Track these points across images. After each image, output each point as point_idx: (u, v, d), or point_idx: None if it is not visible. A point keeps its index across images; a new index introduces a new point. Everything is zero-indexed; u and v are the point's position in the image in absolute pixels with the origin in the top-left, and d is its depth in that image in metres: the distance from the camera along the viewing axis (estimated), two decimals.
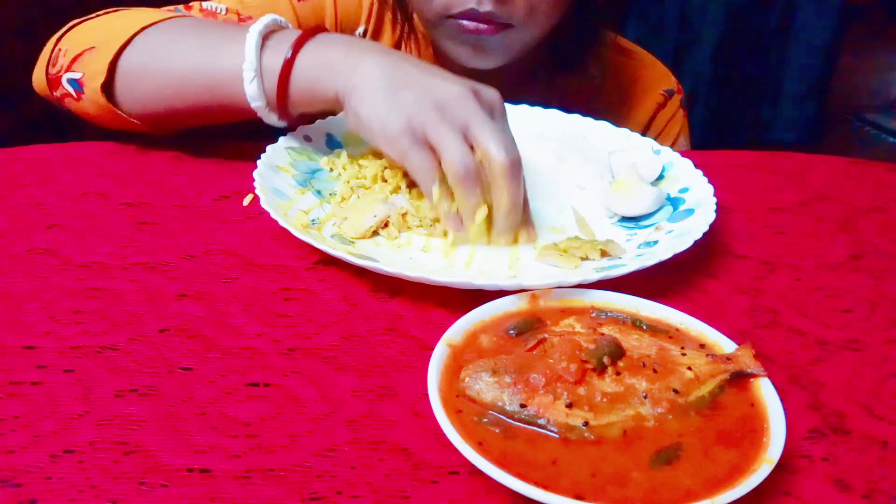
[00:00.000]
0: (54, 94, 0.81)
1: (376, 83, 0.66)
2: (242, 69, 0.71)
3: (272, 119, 0.75)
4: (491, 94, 0.69)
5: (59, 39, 0.81)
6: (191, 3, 0.89)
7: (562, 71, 1.01)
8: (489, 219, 0.66)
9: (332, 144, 0.81)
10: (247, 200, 0.72)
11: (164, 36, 0.77)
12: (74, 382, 0.49)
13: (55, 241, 0.65)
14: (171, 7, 0.87)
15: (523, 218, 0.67)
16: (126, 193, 0.73)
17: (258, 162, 0.71)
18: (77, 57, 0.77)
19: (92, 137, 0.85)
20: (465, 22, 0.83)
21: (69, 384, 0.49)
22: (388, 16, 0.97)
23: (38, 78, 0.83)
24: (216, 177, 0.77)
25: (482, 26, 0.83)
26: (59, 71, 0.79)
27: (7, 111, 0.98)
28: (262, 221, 0.67)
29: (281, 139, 0.77)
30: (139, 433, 0.46)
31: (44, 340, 0.53)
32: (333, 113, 0.80)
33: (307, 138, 0.79)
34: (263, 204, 0.64)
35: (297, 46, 0.70)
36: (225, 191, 0.74)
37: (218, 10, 0.88)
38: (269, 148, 0.74)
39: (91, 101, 0.77)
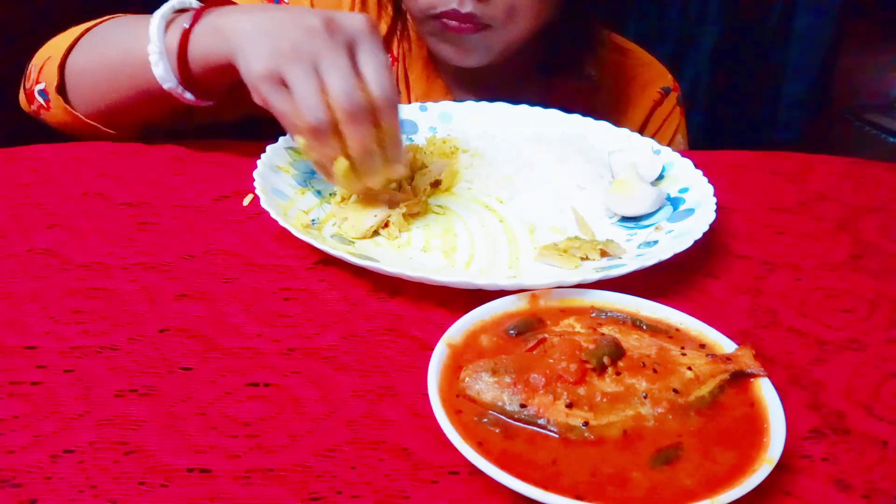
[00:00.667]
0: (31, 108, 0.85)
1: (250, 35, 0.65)
2: (148, 52, 0.71)
3: (190, 98, 0.74)
4: (353, 17, 0.66)
5: (34, 57, 0.85)
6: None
7: (558, 73, 1.01)
8: (352, 169, 0.65)
9: None
10: (247, 200, 0.72)
11: (99, 34, 0.80)
12: (74, 382, 0.49)
13: (55, 241, 0.64)
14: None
15: (389, 156, 0.66)
16: (126, 193, 0.73)
17: (258, 162, 0.71)
18: (41, 69, 0.82)
19: (92, 138, 0.85)
20: (447, 21, 0.85)
21: (69, 384, 0.49)
22: (374, 12, 0.98)
23: (21, 97, 0.87)
24: (216, 177, 0.77)
25: (464, 25, 0.85)
26: (32, 85, 0.83)
27: (7, 111, 0.98)
28: (262, 221, 0.67)
29: (281, 139, 0.77)
30: (139, 433, 0.46)
31: (44, 340, 0.53)
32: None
33: None
34: (263, 204, 0.64)
35: (194, 21, 0.70)
36: (225, 191, 0.74)
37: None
38: (269, 148, 0.74)
39: (56, 106, 0.81)
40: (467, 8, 0.83)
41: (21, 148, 0.82)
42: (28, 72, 0.85)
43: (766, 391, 0.47)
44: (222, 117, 0.87)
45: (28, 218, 0.68)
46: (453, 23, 0.85)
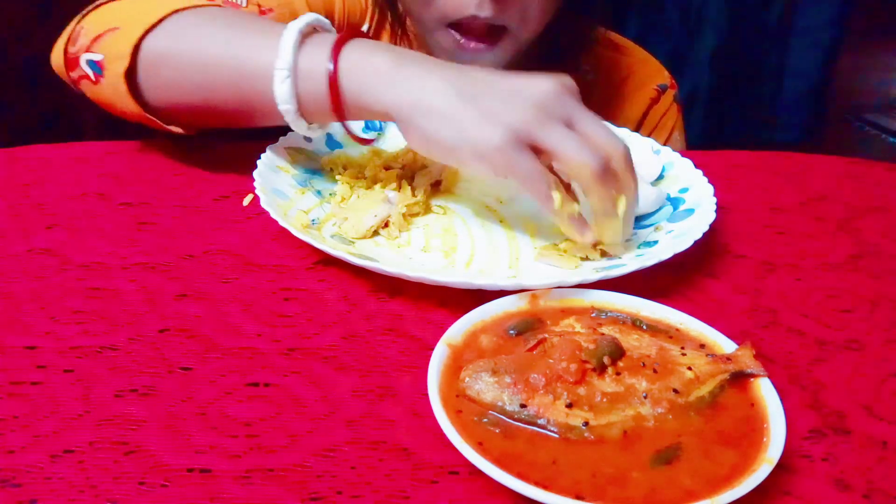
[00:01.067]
0: (70, 74, 0.76)
1: (446, 97, 0.60)
2: (275, 67, 0.65)
3: (300, 126, 0.69)
4: (570, 82, 0.63)
5: (82, 18, 0.75)
6: None
7: (553, 69, 1.01)
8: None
9: (332, 144, 0.81)
10: (247, 200, 0.72)
11: (194, 22, 0.71)
12: (74, 382, 0.49)
13: (55, 241, 0.65)
14: None
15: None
16: (126, 193, 0.73)
17: (258, 162, 0.71)
18: (98, 37, 0.71)
19: (92, 137, 0.85)
20: (462, 39, 0.82)
21: (69, 384, 0.49)
22: (381, 14, 0.98)
23: (56, 56, 0.77)
24: (216, 177, 0.77)
25: (480, 45, 0.83)
26: (79, 51, 0.73)
27: (7, 111, 0.98)
28: (262, 221, 0.67)
29: (281, 139, 0.77)
30: (139, 433, 0.46)
31: (44, 340, 0.53)
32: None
33: (307, 138, 0.79)
34: (263, 204, 0.64)
35: (336, 52, 0.64)
36: (225, 191, 0.74)
37: (239, 2, 0.85)
38: (269, 148, 0.74)
39: (110, 85, 0.71)
40: (486, 13, 0.79)
41: (21, 148, 0.82)
42: (74, 32, 0.74)
43: (766, 391, 0.47)
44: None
45: (28, 218, 0.68)
46: (469, 42, 0.82)
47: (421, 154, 0.66)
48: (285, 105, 0.66)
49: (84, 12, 0.76)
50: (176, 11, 0.71)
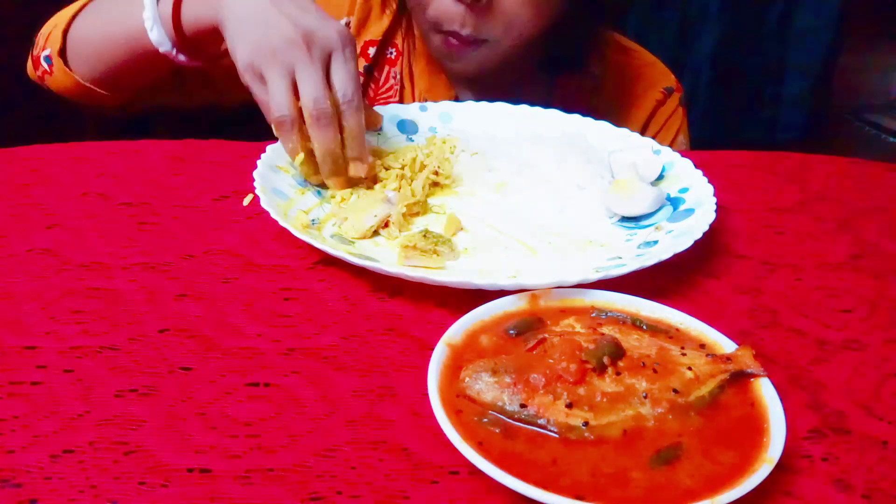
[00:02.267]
0: (37, 73, 0.91)
1: (239, 16, 0.72)
2: (143, 19, 0.79)
3: (182, 59, 0.82)
4: (332, 28, 0.71)
5: (40, 28, 0.91)
6: None
7: (563, 73, 1.01)
8: (310, 161, 0.72)
9: None
10: (247, 200, 0.72)
11: (99, 4, 0.87)
12: (74, 382, 0.49)
13: (55, 241, 0.64)
14: None
15: (351, 154, 0.72)
16: (126, 193, 0.73)
17: (258, 162, 0.71)
18: (48, 36, 0.88)
19: (92, 137, 0.85)
20: (450, 38, 0.89)
21: (69, 384, 0.49)
22: (377, 8, 0.99)
23: (28, 65, 0.93)
24: (216, 177, 0.77)
25: (463, 44, 0.89)
26: (38, 51, 0.90)
27: (7, 111, 0.98)
28: (262, 221, 0.67)
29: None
30: (139, 433, 0.46)
31: (44, 340, 0.53)
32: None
33: None
34: (263, 204, 0.64)
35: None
36: (225, 191, 0.74)
37: None
38: (269, 148, 0.74)
39: (59, 70, 0.88)
40: (467, 30, 0.87)
41: (21, 148, 0.82)
42: (36, 40, 0.91)
43: (766, 391, 0.47)
44: (217, 100, 0.94)
45: (28, 218, 0.68)
46: (454, 41, 0.89)
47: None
48: (163, 47, 0.80)
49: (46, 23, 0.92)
50: (89, 1, 0.87)
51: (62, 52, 0.86)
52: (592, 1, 0.94)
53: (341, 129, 0.71)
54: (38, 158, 0.79)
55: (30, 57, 0.92)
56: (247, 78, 0.71)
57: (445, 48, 0.90)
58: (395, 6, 0.98)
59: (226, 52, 0.75)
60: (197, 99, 0.96)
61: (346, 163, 0.72)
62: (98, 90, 0.88)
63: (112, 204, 0.71)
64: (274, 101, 0.69)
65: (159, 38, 0.79)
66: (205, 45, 0.81)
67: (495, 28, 0.87)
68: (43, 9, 0.93)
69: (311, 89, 0.69)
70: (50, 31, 0.88)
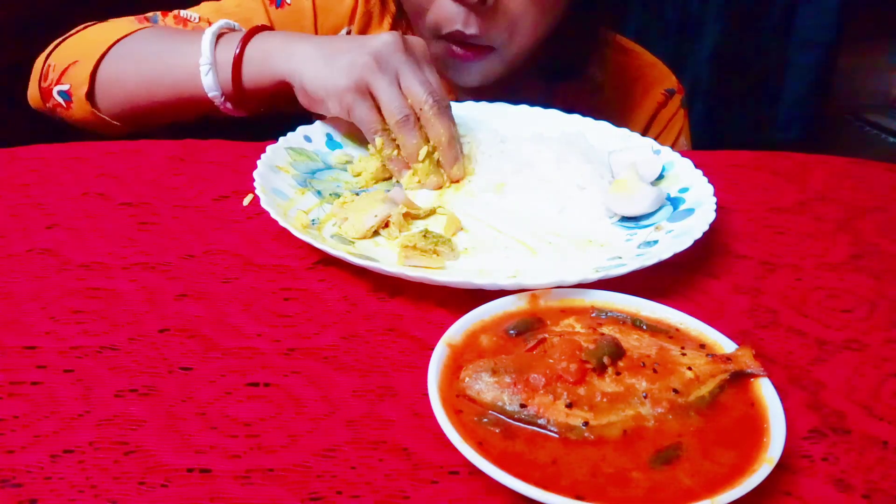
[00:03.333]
0: (47, 105, 0.91)
1: (313, 58, 0.76)
2: (199, 64, 0.81)
3: (229, 108, 0.84)
4: (416, 41, 0.78)
5: (48, 56, 0.91)
6: (166, 11, 0.96)
7: (563, 77, 1.01)
8: (430, 156, 0.75)
9: (331, 144, 0.81)
10: (247, 200, 0.72)
11: (134, 46, 0.88)
12: (74, 382, 0.49)
13: (55, 241, 0.64)
14: (149, 14, 0.95)
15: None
16: (126, 193, 0.73)
17: (258, 162, 0.71)
18: (64, 71, 0.88)
19: (92, 138, 0.85)
20: (454, 47, 0.89)
21: (69, 384, 0.49)
22: (377, 16, 0.99)
23: (32, 92, 0.93)
24: (216, 177, 0.77)
25: (468, 53, 0.89)
26: (50, 84, 0.89)
27: (7, 111, 0.98)
28: (262, 221, 0.67)
29: (281, 139, 0.77)
30: (139, 433, 0.46)
31: (44, 340, 0.53)
32: (280, 105, 0.86)
33: (307, 138, 0.79)
34: (263, 204, 0.64)
35: (245, 42, 0.81)
36: (225, 191, 0.74)
37: (191, 18, 0.96)
38: (269, 148, 0.74)
39: (79, 108, 0.88)
40: (472, 30, 0.86)
41: (21, 148, 0.82)
42: (44, 70, 0.90)
43: (766, 391, 0.47)
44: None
45: (28, 218, 0.68)
46: (458, 49, 0.89)
47: (306, 107, 0.79)
48: (213, 92, 0.82)
49: (49, 50, 0.91)
50: (119, 39, 0.87)
51: (90, 94, 0.87)
52: (592, 3, 0.94)
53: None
54: (38, 158, 0.79)
55: (34, 86, 0.92)
56: (347, 100, 0.73)
57: (450, 58, 0.90)
58: (393, 9, 0.97)
59: (272, 102, 0.80)
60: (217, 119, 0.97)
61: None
62: (117, 124, 0.89)
63: (112, 204, 0.71)
64: (393, 105, 0.73)
65: (212, 84, 0.81)
66: (256, 97, 0.83)
67: (500, 32, 0.87)
68: (43, 9, 0.93)
69: (423, 86, 0.73)
70: (67, 66, 0.88)
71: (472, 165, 0.79)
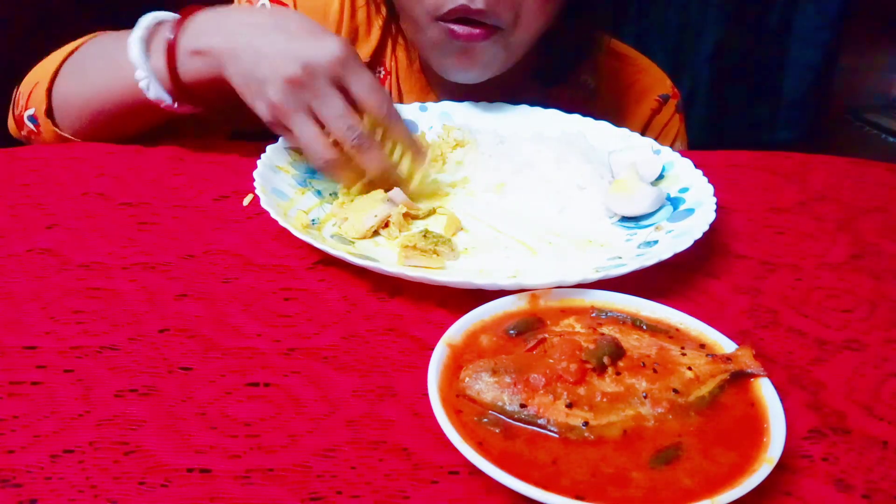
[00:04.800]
0: (21, 133, 0.87)
1: (241, 71, 0.71)
2: (138, 80, 0.75)
3: (184, 108, 0.78)
4: (325, 55, 0.69)
5: (19, 84, 0.87)
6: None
7: (555, 82, 0.99)
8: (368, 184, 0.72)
9: None
10: (247, 200, 0.72)
11: (78, 61, 0.83)
12: (74, 382, 0.49)
13: (55, 241, 0.65)
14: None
15: (411, 154, 0.74)
16: (126, 193, 0.73)
17: (258, 162, 0.71)
18: (29, 95, 0.84)
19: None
20: (455, 27, 0.81)
21: (69, 384, 0.49)
22: (364, 22, 0.96)
23: (10, 123, 0.89)
24: (216, 177, 0.77)
25: (474, 31, 0.81)
26: (21, 111, 0.86)
27: (7, 111, 0.98)
28: (262, 221, 0.67)
29: (281, 139, 0.77)
30: (139, 433, 0.46)
31: (44, 340, 0.53)
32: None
33: None
34: (263, 204, 0.64)
35: (171, 46, 0.74)
36: (225, 191, 0.74)
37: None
38: (269, 148, 0.74)
39: (46, 130, 0.84)
40: (478, 4, 0.79)
41: (21, 148, 0.82)
42: (16, 98, 0.87)
43: (766, 391, 0.47)
44: (213, 133, 0.90)
45: (28, 218, 0.68)
46: (462, 28, 0.81)
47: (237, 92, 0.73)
48: (165, 103, 0.77)
49: (23, 80, 0.88)
50: (68, 56, 0.83)
51: (49, 112, 0.83)
52: (587, 5, 0.92)
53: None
54: (38, 158, 0.79)
55: (10, 116, 0.88)
56: (276, 129, 0.72)
57: (450, 40, 0.82)
58: (384, 9, 0.94)
59: (227, 96, 0.74)
60: (189, 133, 0.90)
61: (410, 165, 0.73)
62: (91, 141, 0.84)
63: (112, 204, 0.71)
64: (310, 150, 0.70)
65: (157, 94, 0.76)
66: (207, 93, 0.78)
67: (507, 12, 0.81)
68: (43, 10, 0.93)
69: (338, 121, 0.69)
70: (31, 90, 0.84)
71: (471, 166, 0.79)
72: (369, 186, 0.72)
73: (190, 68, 0.74)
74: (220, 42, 0.72)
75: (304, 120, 0.70)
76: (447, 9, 0.80)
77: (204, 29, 0.74)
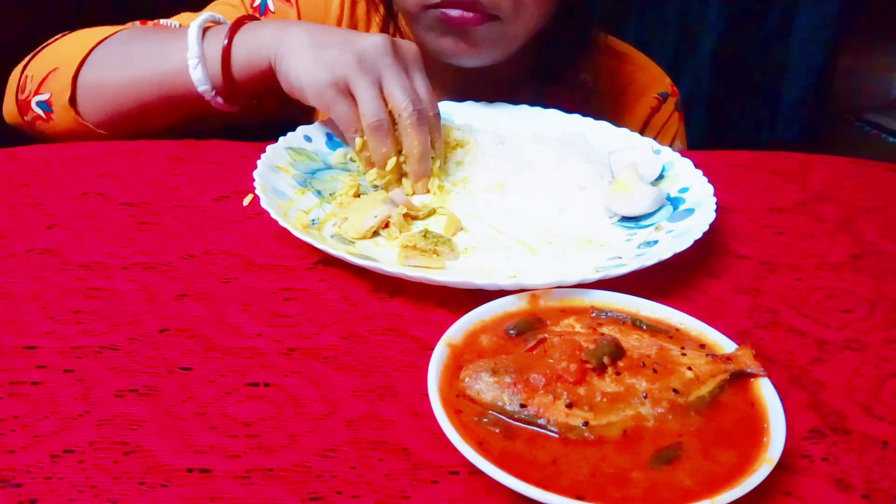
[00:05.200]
0: (25, 118, 0.87)
1: (302, 45, 0.74)
2: (187, 58, 0.78)
3: (220, 102, 0.81)
4: (407, 46, 0.75)
5: (24, 67, 0.87)
6: (145, 21, 0.93)
7: (553, 80, 0.99)
8: (398, 167, 0.74)
9: (332, 144, 0.81)
10: (247, 200, 0.72)
11: (117, 47, 0.84)
12: (74, 382, 0.49)
13: (55, 241, 0.65)
14: (128, 25, 0.91)
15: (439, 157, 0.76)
16: (126, 193, 0.73)
17: (258, 162, 0.71)
18: (43, 80, 0.84)
19: (84, 138, 0.85)
20: (449, 10, 0.81)
21: (69, 384, 0.49)
22: (363, 18, 0.97)
23: (9, 107, 0.88)
24: (216, 177, 0.77)
25: (468, 15, 0.81)
26: (28, 95, 0.85)
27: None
28: (262, 221, 0.67)
29: (281, 139, 0.77)
30: (139, 433, 0.46)
31: (44, 340, 0.53)
32: (272, 102, 0.86)
33: (307, 138, 0.79)
34: (263, 204, 0.64)
35: (232, 32, 0.79)
36: (225, 191, 0.74)
37: (171, 26, 0.92)
38: (269, 148, 0.74)
39: (60, 118, 0.84)
40: None
41: (21, 148, 0.82)
42: (21, 82, 0.86)
43: (766, 391, 0.47)
44: (235, 122, 0.90)
45: (28, 218, 0.68)
46: (455, 12, 0.80)
47: (286, 92, 0.77)
48: (203, 87, 0.79)
49: (25, 62, 0.87)
50: (99, 42, 0.83)
51: (72, 100, 0.83)
52: (584, 3, 0.92)
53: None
54: (38, 158, 0.79)
55: (11, 100, 0.87)
56: (328, 96, 0.72)
57: (443, 25, 0.82)
58: (382, 8, 0.94)
59: (265, 95, 0.78)
60: (213, 126, 0.93)
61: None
62: (102, 132, 0.85)
63: (112, 204, 0.71)
64: (368, 108, 0.71)
65: (202, 77, 0.79)
66: (248, 89, 0.81)
67: (503, 3, 0.80)
68: (43, 10, 0.93)
69: (402, 92, 0.71)
70: (46, 76, 0.83)
71: (471, 166, 0.79)
72: (397, 171, 0.74)
73: (242, 54, 0.78)
74: (282, 32, 0.76)
75: (371, 82, 0.71)
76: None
77: (263, 24, 0.80)
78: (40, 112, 0.84)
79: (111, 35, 0.85)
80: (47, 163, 0.78)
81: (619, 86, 1.04)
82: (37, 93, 0.84)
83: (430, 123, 0.74)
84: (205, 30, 0.80)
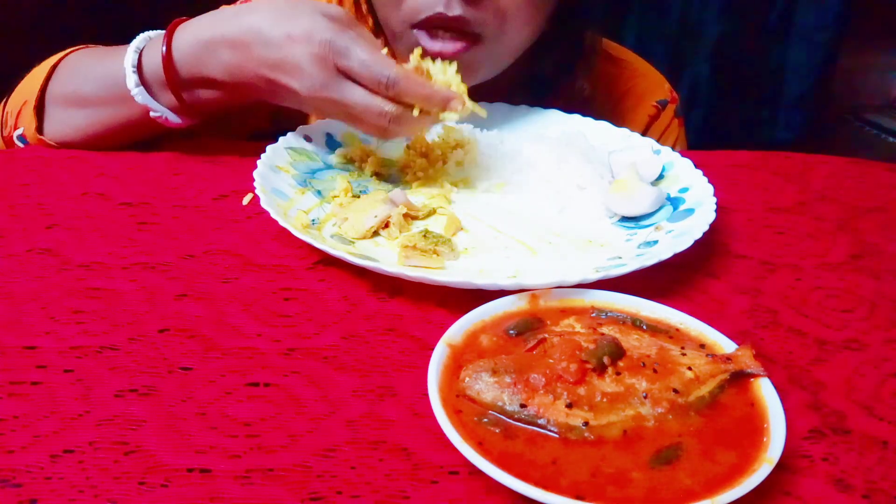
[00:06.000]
0: None
1: (269, 8, 0.71)
2: (131, 91, 0.74)
3: (174, 120, 0.77)
4: (339, 12, 0.71)
5: (5, 103, 0.85)
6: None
7: (550, 90, 0.96)
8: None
9: (332, 144, 0.81)
10: (247, 200, 0.72)
11: (69, 72, 0.81)
12: (74, 382, 0.49)
13: (55, 241, 0.64)
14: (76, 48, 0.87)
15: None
16: (126, 193, 0.73)
17: (258, 162, 0.71)
18: (18, 114, 0.82)
19: None
20: (429, 43, 0.79)
21: (69, 384, 0.49)
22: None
23: None
24: (216, 177, 0.77)
25: (447, 46, 0.78)
26: (10, 131, 0.84)
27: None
28: (262, 221, 0.67)
29: (281, 139, 0.77)
30: (139, 433, 0.46)
31: (44, 340, 0.53)
32: (233, 107, 0.81)
33: (307, 138, 0.79)
34: (263, 204, 0.64)
35: (167, 39, 0.74)
36: (225, 191, 0.74)
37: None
38: (269, 148, 0.74)
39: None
40: (455, 11, 0.76)
41: (21, 148, 0.82)
42: (4, 118, 0.85)
43: (766, 391, 0.47)
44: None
45: (28, 218, 0.68)
46: (435, 44, 0.79)
47: (266, 72, 0.72)
48: (155, 113, 0.76)
49: (6, 98, 0.86)
50: (51, 72, 0.80)
51: (39, 129, 0.80)
52: (577, 9, 0.90)
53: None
54: (38, 158, 0.79)
55: (0, 136, 0.86)
56: (316, 113, 0.76)
57: (432, 46, 0.78)
58: (371, 22, 0.91)
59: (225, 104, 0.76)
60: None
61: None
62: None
63: (112, 204, 0.71)
64: (370, 112, 0.69)
65: (155, 105, 0.75)
66: (198, 84, 0.76)
67: (489, 20, 0.78)
68: (45, 12, 0.93)
69: (368, 69, 0.68)
70: (20, 110, 0.82)
71: (471, 166, 0.79)
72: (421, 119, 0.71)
73: (189, 59, 0.74)
74: (214, 31, 0.73)
75: (346, 86, 0.69)
76: (423, 16, 0.78)
77: (202, 19, 0.75)
78: (21, 146, 0.83)
79: (62, 58, 0.82)
80: (47, 163, 0.78)
81: (617, 93, 1.02)
82: (15, 127, 0.83)
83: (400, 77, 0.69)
84: (141, 52, 0.75)
